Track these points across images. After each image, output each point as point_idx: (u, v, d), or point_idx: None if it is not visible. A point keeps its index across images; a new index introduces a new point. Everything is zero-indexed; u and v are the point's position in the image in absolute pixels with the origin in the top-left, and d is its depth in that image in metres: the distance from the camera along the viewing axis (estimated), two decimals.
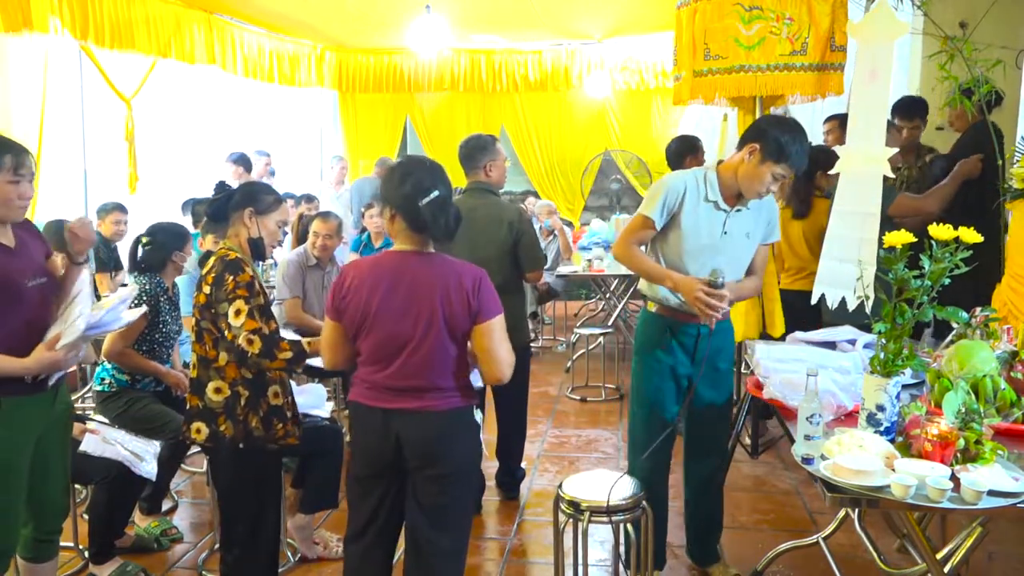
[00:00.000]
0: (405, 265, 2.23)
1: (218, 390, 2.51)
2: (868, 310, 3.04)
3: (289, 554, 3.28)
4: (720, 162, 2.79)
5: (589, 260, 6.57)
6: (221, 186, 2.67)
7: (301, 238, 4.63)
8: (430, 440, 2.24)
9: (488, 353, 2.24)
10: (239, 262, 2.49)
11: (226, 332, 2.43)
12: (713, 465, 3.07)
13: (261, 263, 2.88)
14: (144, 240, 3.52)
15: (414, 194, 2.19)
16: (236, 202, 2.60)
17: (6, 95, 4.93)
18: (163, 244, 3.51)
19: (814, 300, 3.42)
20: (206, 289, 2.49)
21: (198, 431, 2.53)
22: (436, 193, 2.19)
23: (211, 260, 2.55)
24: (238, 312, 2.41)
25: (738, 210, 2.74)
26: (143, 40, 5.62)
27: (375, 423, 2.26)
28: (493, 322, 2.23)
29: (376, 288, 2.20)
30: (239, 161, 6.47)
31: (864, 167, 3.32)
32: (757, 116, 3.83)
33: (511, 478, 3.96)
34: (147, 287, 3.40)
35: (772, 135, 2.57)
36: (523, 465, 4.11)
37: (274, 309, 4.27)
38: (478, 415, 2.37)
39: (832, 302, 3.32)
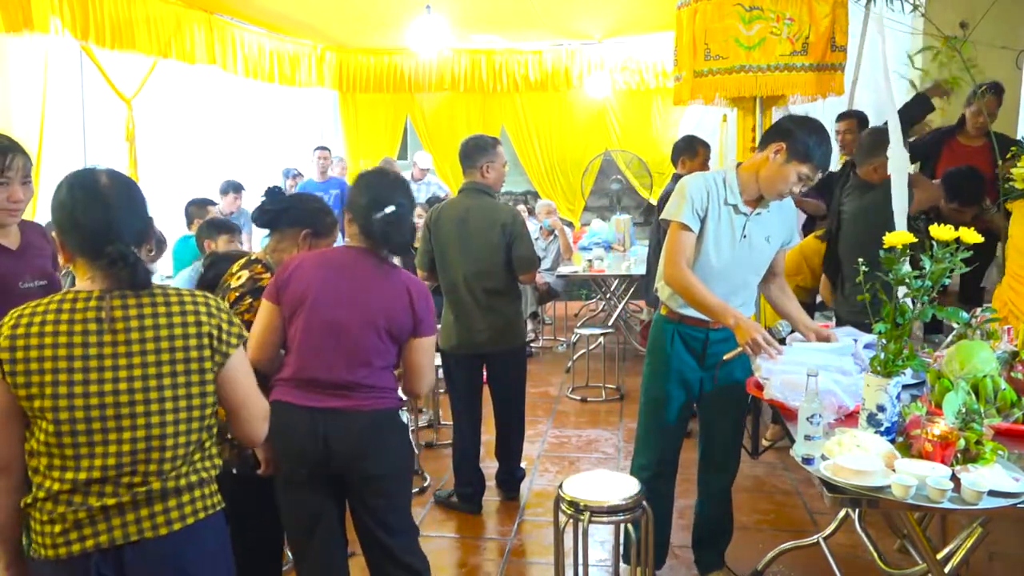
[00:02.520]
0: (355, 259, 2.27)
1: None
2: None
3: (289, 554, 3.28)
4: (739, 164, 2.76)
5: (589, 260, 6.57)
6: (275, 192, 2.49)
7: None
8: (358, 441, 2.23)
9: (419, 368, 2.31)
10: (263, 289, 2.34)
11: None
12: (728, 478, 3.07)
13: None
14: None
15: (370, 207, 2.25)
16: (294, 218, 2.44)
17: (6, 95, 4.94)
18: None
19: None
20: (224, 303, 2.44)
21: None
22: (390, 208, 2.24)
23: (243, 274, 2.40)
24: None
25: (758, 213, 2.69)
26: (144, 40, 5.61)
27: (302, 423, 2.22)
28: (430, 339, 2.32)
29: (319, 272, 2.23)
30: (231, 189, 6.48)
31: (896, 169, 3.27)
32: (757, 116, 3.84)
33: (511, 478, 3.97)
34: None
35: (799, 135, 2.52)
36: (523, 465, 4.12)
37: None
38: (405, 416, 2.37)
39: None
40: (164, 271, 5.32)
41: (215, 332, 1.65)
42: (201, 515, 1.66)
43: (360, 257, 2.28)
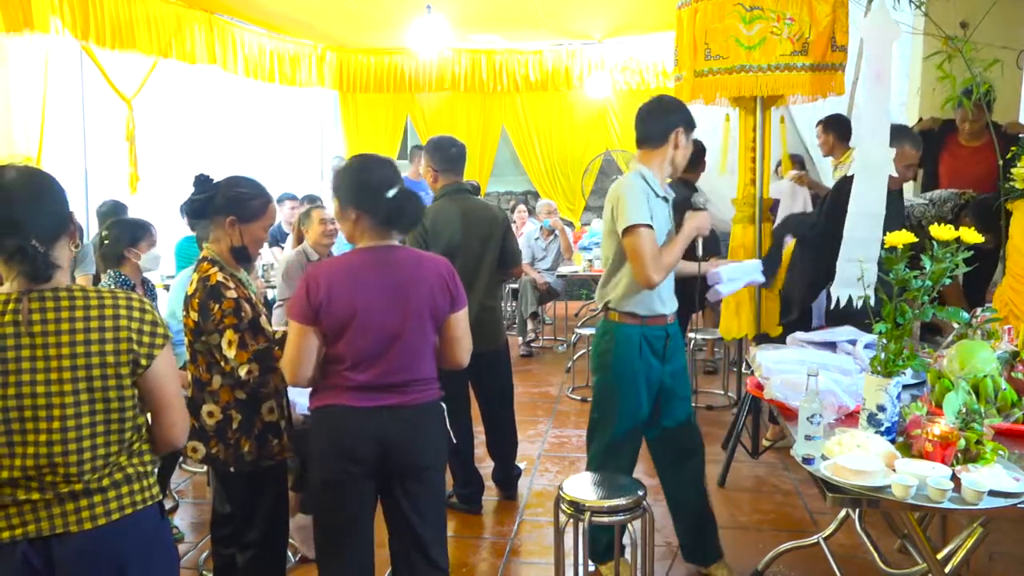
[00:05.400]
0: (384, 260, 2.22)
1: (210, 414, 2.43)
2: (858, 307, 3.05)
3: (289, 554, 3.27)
4: (636, 161, 2.91)
5: (590, 260, 6.58)
6: (202, 181, 2.44)
7: (301, 238, 4.63)
8: (412, 434, 2.24)
9: (460, 341, 2.32)
10: (219, 288, 2.35)
11: (222, 363, 2.38)
12: (701, 458, 3.11)
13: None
14: (104, 234, 3.49)
15: (380, 188, 2.20)
16: (217, 207, 2.40)
17: (7, 95, 4.94)
18: (116, 238, 3.43)
19: (833, 304, 3.39)
20: (193, 315, 2.39)
21: (194, 450, 2.47)
22: (399, 186, 2.22)
23: (193, 279, 2.42)
24: (230, 343, 2.33)
25: (665, 198, 2.92)
26: (144, 40, 5.61)
27: (361, 424, 2.21)
28: (465, 310, 2.33)
29: (359, 285, 2.17)
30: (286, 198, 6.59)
31: (872, 167, 3.30)
32: (758, 116, 3.84)
33: (508, 476, 3.96)
34: (111, 285, 3.32)
35: (685, 113, 2.89)
36: (523, 465, 4.12)
37: (276, 312, 4.30)
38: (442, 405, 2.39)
39: (855, 304, 3.27)
40: (167, 271, 5.32)
41: (135, 336, 1.63)
42: (128, 510, 1.66)
43: (387, 255, 2.23)
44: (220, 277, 2.38)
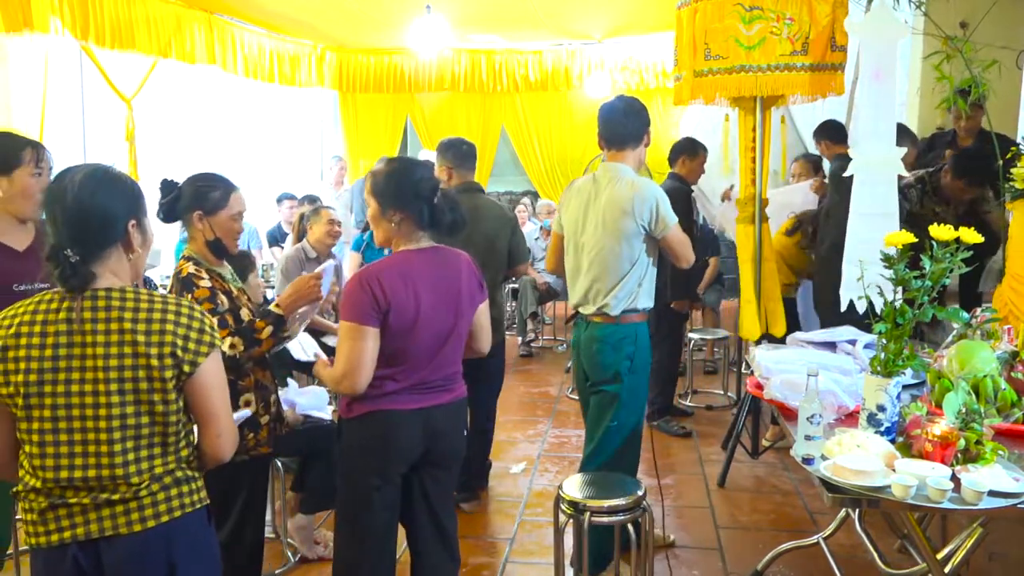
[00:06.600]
0: (432, 260, 2.27)
1: None
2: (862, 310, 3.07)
3: (289, 554, 3.28)
4: (608, 163, 2.99)
5: None
6: (166, 185, 2.48)
7: (301, 237, 4.64)
8: (455, 427, 2.35)
9: (485, 329, 2.43)
10: (191, 278, 2.39)
11: None
12: None
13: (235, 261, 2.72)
14: None
15: (430, 193, 2.24)
16: (184, 205, 2.45)
17: (7, 95, 4.94)
18: None
19: (844, 307, 3.38)
20: None
21: None
22: (441, 190, 2.30)
23: (171, 278, 2.48)
24: None
25: None
26: (144, 40, 5.62)
27: (415, 425, 2.24)
28: (487, 300, 2.44)
29: (419, 285, 2.21)
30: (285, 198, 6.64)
31: (878, 168, 3.30)
32: (758, 116, 3.84)
33: (481, 467, 3.96)
34: None
35: (646, 109, 3.02)
36: (523, 465, 4.11)
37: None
38: None
39: (861, 308, 3.28)
40: (167, 271, 5.32)
41: (179, 342, 1.60)
42: (177, 513, 1.65)
43: (432, 256, 2.27)
44: (192, 269, 2.43)
